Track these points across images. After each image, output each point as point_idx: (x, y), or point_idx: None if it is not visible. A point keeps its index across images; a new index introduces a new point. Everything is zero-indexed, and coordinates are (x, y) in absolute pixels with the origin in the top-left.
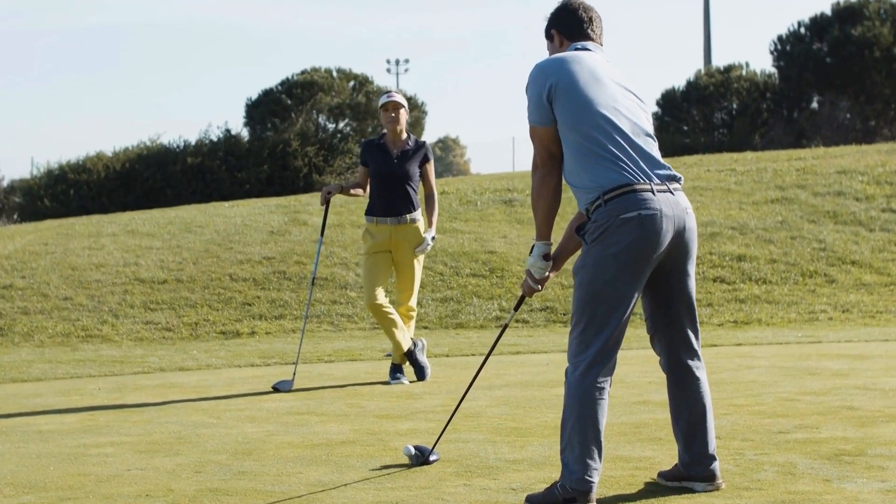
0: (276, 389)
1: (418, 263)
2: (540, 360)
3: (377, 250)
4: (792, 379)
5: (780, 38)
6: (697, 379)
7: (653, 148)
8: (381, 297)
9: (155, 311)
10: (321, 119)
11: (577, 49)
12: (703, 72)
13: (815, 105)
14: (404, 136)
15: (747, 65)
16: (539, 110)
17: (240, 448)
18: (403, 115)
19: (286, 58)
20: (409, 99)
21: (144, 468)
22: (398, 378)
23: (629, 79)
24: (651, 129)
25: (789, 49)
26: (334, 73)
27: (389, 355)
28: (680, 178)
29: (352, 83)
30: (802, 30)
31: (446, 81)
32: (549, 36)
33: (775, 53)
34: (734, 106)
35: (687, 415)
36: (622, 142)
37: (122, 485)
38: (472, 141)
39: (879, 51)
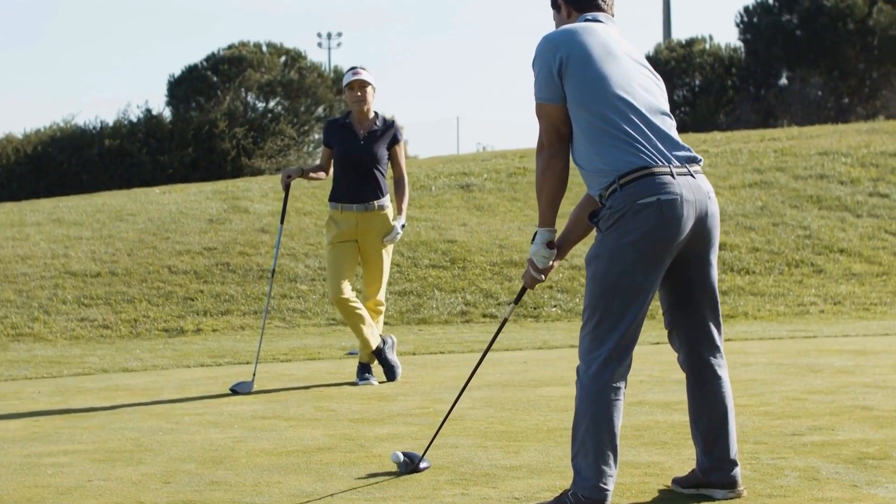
0: (234, 392)
1: (387, 254)
2: (516, 359)
3: (342, 240)
4: (795, 377)
5: (746, 9)
6: (719, 378)
7: (670, 128)
8: (348, 290)
9: (90, 307)
10: (250, 98)
11: (587, 21)
12: (662, 45)
13: (784, 81)
14: (371, 114)
15: (711, 38)
16: (548, 86)
17: (208, 456)
18: (371, 94)
19: (212, 31)
20: (343, 76)
21: (107, 479)
22: (367, 378)
23: (641, 54)
24: (667, 108)
25: (756, 21)
26: (264, 48)
27: (352, 353)
28: (700, 159)
29: (283, 58)
30: (771, 0)
31: (383, 56)
32: (555, 6)
33: (741, 26)
34: (697, 82)
35: (708, 416)
36: (638, 121)
37: (85, 497)
38: (410, 121)
39: (853, 23)
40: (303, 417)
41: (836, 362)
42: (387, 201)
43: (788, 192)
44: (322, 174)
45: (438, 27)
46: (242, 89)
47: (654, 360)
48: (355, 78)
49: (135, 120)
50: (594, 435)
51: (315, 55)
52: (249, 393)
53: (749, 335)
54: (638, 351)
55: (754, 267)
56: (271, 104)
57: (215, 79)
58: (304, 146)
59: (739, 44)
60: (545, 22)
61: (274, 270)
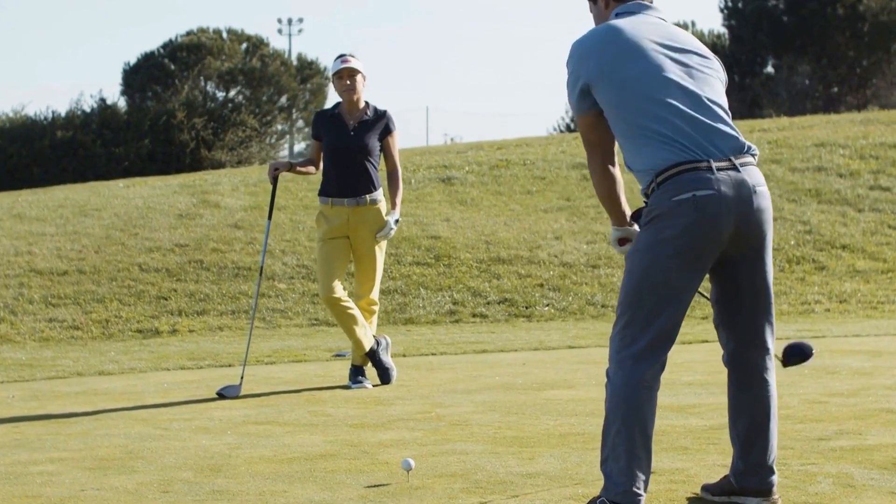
0: (221, 396)
1: (380, 250)
2: (513, 360)
3: (333, 236)
4: (810, 379)
5: None
6: (762, 379)
7: (716, 116)
8: (339, 289)
9: (58, 307)
10: (210, 86)
11: (620, 14)
12: None
13: (770, 69)
14: (362, 104)
15: (693, 24)
16: (573, 99)
17: (204, 463)
18: (360, 83)
19: (169, 16)
20: (310, 64)
21: (100, 488)
22: (360, 381)
23: (686, 36)
24: (715, 94)
25: (741, 6)
26: (224, 34)
27: (339, 355)
28: (750, 148)
29: (244, 45)
30: None
31: (345, 44)
32: None
33: (725, 11)
34: None
35: (746, 418)
36: (673, 117)
37: None
38: None
39: (843, 8)
40: (298, 423)
41: (852, 363)
42: (379, 195)
43: (786, 185)
44: (311, 168)
45: (402, 13)
46: (202, 78)
47: None
48: (343, 66)
49: (88, 110)
50: (626, 438)
51: (276, 42)
52: (237, 397)
53: None
54: None
55: None
56: (232, 93)
57: (173, 67)
58: (266, 137)
59: (723, 30)
60: (512, 8)
61: (262, 268)
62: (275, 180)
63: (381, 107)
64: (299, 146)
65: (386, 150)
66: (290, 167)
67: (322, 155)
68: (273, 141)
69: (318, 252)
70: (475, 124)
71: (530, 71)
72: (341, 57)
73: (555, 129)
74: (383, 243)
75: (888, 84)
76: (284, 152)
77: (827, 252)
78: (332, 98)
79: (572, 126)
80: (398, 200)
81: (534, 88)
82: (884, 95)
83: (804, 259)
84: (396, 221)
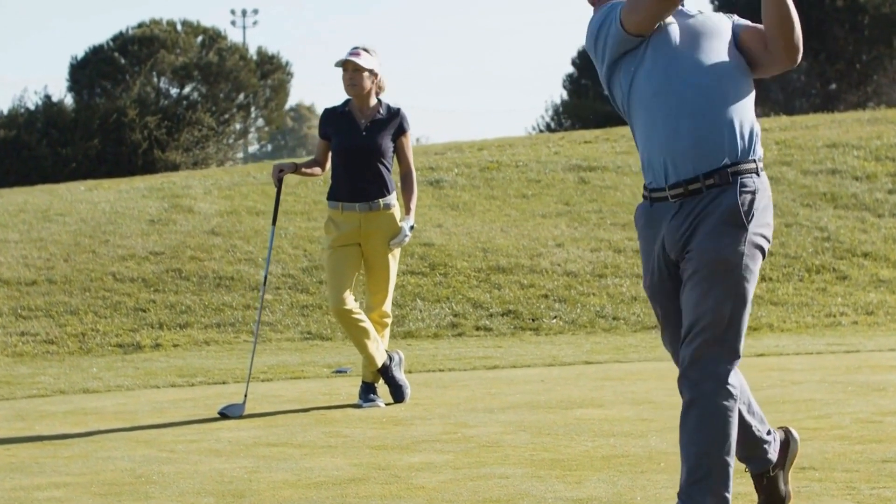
0: (223, 415)
1: (393, 259)
2: (529, 377)
3: (343, 243)
4: (857, 396)
5: None
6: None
7: (695, 128)
8: (351, 301)
9: (29, 320)
10: (163, 82)
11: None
12: None
13: None
14: (373, 101)
15: None
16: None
17: (224, 489)
18: (367, 79)
19: (119, 7)
20: (271, 58)
21: None
22: (372, 400)
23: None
24: (719, 91)
25: None
26: (179, 27)
27: (339, 371)
28: (720, 165)
29: (200, 38)
30: None
31: (302, 36)
32: None
33: (717, 2)
34: None
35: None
36: (651, 137)
37: None
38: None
39: None
40: (315, 444)
41: None
42: (393, 199)
43: (798, 188)
44: (318, 170)
45: (361, 5)
46: (154, 73)
47: None
48: (347, 59)
49: (32, 108)
50: (729, 458)
51: (233, 35)
52: (241, 417)
53: (783, 349)
54: (664, 367)
55: (770, 273)
56: (187, 90)
57: (123, 61)
58: (224, 137)
59: None
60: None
61: (266, 278)
62: (279, 183)
63: (394, 104)
64: (253, 147)
65: (399, 151)
66: (296, 169)
67: (330, 156)
68: (231, 141)
69: (326, 261)
70: (441, 123)
71: (495, 67)
72: (353, 49)
73: (534, 129)
74: (397, 251)
75: (890, 80)
76: (241, 154)
77: (848, 260)
78: (295, 95)
79: (553, 125)
80: (413, 205)
81: (498, 86)
82: (885, 93)
83: (824, 268)
84: (411, 228)
